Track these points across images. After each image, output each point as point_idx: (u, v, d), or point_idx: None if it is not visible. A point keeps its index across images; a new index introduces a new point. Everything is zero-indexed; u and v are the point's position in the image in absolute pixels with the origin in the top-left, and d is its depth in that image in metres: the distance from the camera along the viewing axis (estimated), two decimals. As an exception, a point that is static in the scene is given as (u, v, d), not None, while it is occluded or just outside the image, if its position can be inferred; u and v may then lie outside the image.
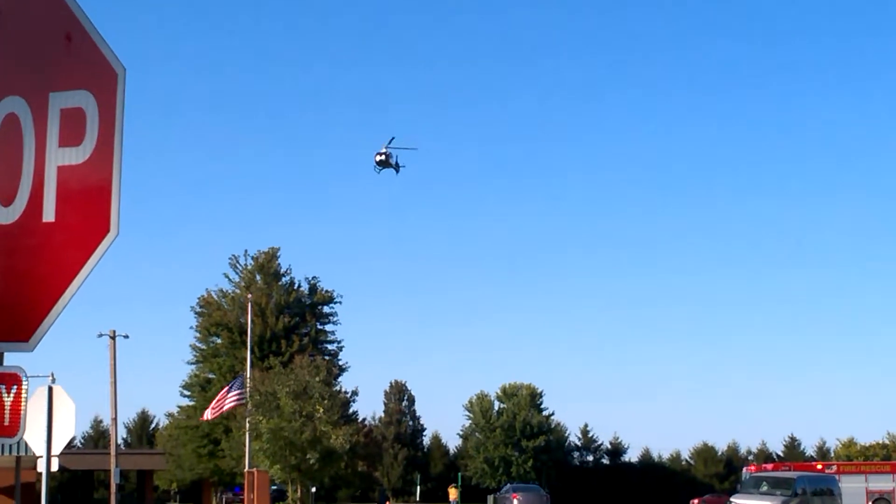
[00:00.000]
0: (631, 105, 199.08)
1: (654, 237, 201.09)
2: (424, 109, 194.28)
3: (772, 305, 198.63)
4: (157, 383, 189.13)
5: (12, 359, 5.41)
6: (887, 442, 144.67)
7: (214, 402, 69.43)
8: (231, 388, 67.89)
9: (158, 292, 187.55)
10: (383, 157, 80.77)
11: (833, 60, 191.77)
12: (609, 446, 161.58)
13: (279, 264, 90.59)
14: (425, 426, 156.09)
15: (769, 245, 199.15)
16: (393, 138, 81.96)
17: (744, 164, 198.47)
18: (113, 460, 55.36)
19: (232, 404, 67.56)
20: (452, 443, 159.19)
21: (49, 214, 5.02)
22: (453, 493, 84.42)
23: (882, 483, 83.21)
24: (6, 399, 5.40)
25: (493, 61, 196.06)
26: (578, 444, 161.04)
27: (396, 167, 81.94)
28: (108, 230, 5.08)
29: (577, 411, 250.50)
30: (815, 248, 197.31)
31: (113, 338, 56.18)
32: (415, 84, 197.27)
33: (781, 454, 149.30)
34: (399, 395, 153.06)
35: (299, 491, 63.71)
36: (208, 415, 70.40)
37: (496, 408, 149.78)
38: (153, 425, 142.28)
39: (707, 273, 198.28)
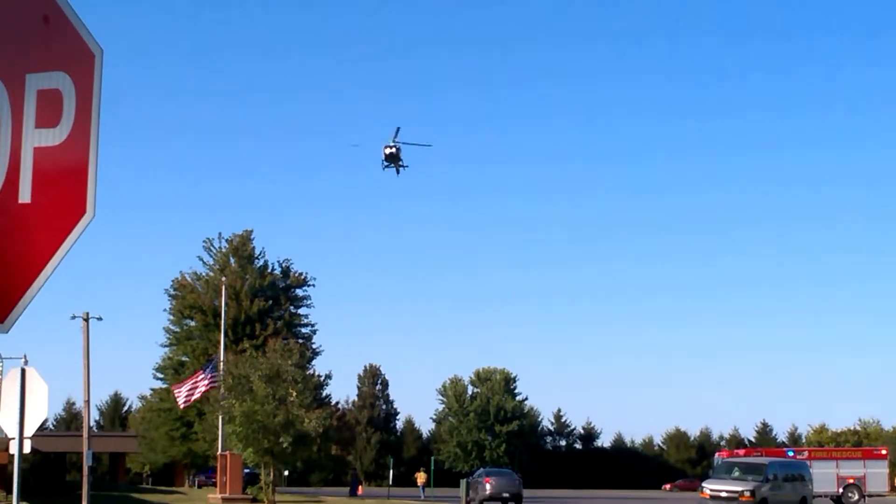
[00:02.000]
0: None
1: (627, 228, 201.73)
2: (391, 98, 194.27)
3: (745, 294, 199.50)
4: (131, 366, 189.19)
5: (-14, 340, 5.41)
6: (858, 428, 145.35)
7: (188, 387, 69.24)
8: (204, 371, 67.77)
9: (132, 275, 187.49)
10: (394, 149, 74.59)
11: None
12: (582, 431, 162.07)
13: (253, 247, 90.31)
14: (398, 410, 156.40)
15: (740, 234, 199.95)
16: (399, 129, 76.15)
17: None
18: (85, 443, 55.11)
19: (205, 388, 67.40)
20: (426, 427, 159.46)
21: (25, 196, 5.00)
22: (421, 478, 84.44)
23: (853, 469, 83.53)
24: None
25: (460, 55, 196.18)
26: (551, 428, 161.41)
27: (400, 166, 75.93)
28: (84, 212, 5.06)
29: (550, 396, 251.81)
30: (786, 237, 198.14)
31: (86, 320, 55.85)
32: (381, 74, 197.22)
33: (753, 440, 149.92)
34: (373, 379, 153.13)
35: (272, 474, 63.64)
36: (181, 400, 70.29)
37: (470, 392, 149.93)
38: (126, 408, 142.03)
39: (680, 262, 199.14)
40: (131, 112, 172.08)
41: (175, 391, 71.91)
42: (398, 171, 75.87)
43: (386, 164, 74.86)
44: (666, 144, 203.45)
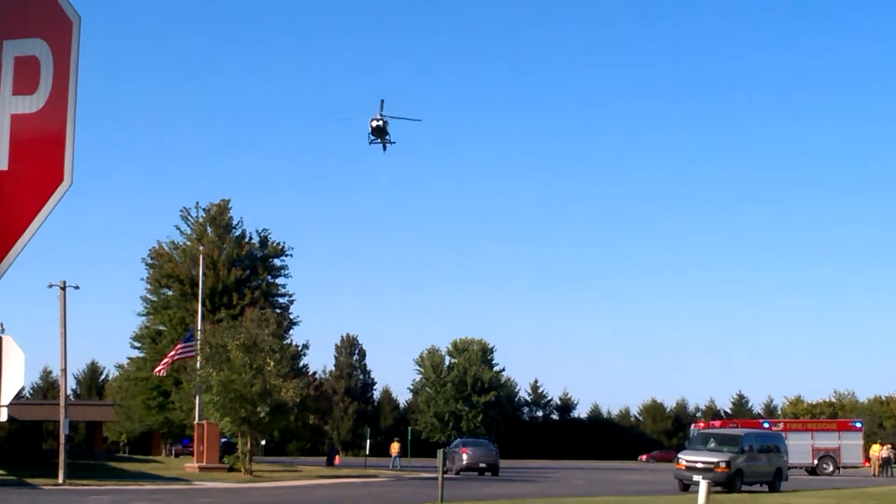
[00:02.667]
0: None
1: (603, 201, 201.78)
2: (372, 70, 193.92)
3: (721, 267, 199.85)
4: (108, 335, 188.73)
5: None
6: (833, 400, 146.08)
7: (167, 357, 69.35)
8: (185, 342, 67.80)
9: (110, 244, 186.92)
10: (380, 122, 71.76)
11: None
12: (559, 402, 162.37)
13: (230, 217, 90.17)
14: (376, 380, 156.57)
15: (716, 207, 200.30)
16: (383, 101, 73.41)
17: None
18: (62, 411, 55.09)
19: (182, 356, 67.40)
20: (403, 397, 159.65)
21: (2, 163, 4.98)
22: (395, 448, 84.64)
23: (828, 440, 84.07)
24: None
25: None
26: (528, 399, 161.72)
27: (387, 142, 73.04)
28: (61, 180, 5.05)
29: (527, 367, 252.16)
30: (762, 211, 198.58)
31: (63, 288, 55.73)
32: (363, 45, 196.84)
33: (729, 412, 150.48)
34: (350, 349, 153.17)
35: (249, 443, 63.68)
36: (160, 369, 70.35)
37: (447, 363, 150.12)
38: (103, 377, 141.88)
39: (658, 233, 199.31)
40: (110, 80, 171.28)
41: (156, 370, 72.20)
42: (385, 147, 73.55)
43: (373, 138, 72.67)
44: (643, 125, 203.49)
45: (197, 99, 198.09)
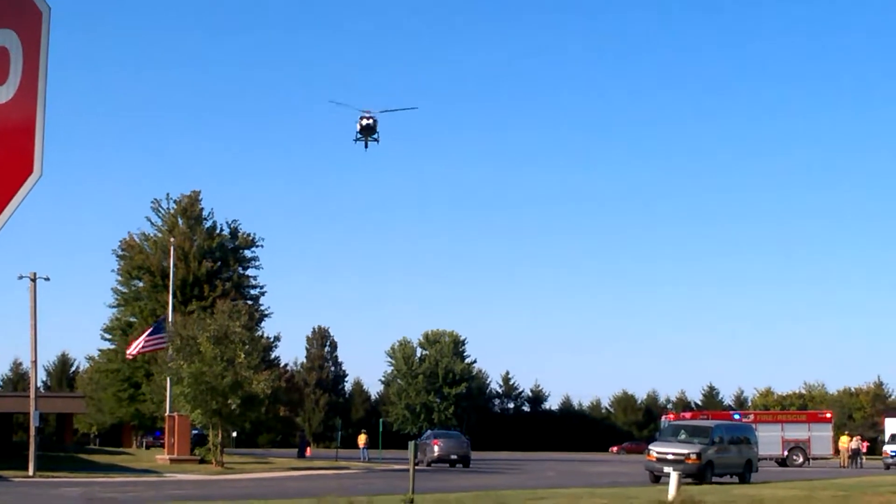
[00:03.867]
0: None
1: (575, 191, 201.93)
2: (344, 59, 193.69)
3: (692, 259, 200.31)
4: (78, 327, 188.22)
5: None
6: (803, 392, 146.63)
7: (136, 342, 69.14)
8: (154, 330, 67.58)
9: (80, 235, 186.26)
10: (371, 120, 68.75)
11: None
12: (530, 394, 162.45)
13: (201, 208, 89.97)
14: (347, 372, 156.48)
15: (688, 197, 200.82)
16: (354, 109, 69.97)
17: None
18: (32, 403, 54.90)
19: (153, 348, 67.25)
20: (374, 389, 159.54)
21: (-29, 154, 4.96)
22: (362, 440, 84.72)
23: (797, 432, 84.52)
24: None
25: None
26: (500, 391, 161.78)
27: (370, 140, 69.85)
28: (31, 171, 5.03)
29: (498, 359, 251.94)
30: (733, 201, 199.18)
31: (33, 280, 55.57)
32: (333, 34, 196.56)
33: (700, 403, 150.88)
34: (321, 341, 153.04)
35: (220, 435, 63.60)
36: (132, 350, 70.22)
37: (418, 355, 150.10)
38: (73, 368, 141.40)
39: (628, 225, 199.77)
40: (80, 71, 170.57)
41: (127, 352, 71.93)
42: (366, 146, 70.69)
43: (359, 136, 69.95)
44: (611, 116, 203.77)
45: (167, 90, 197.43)
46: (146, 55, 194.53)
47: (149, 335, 67.47)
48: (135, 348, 69.04)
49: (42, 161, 5.03)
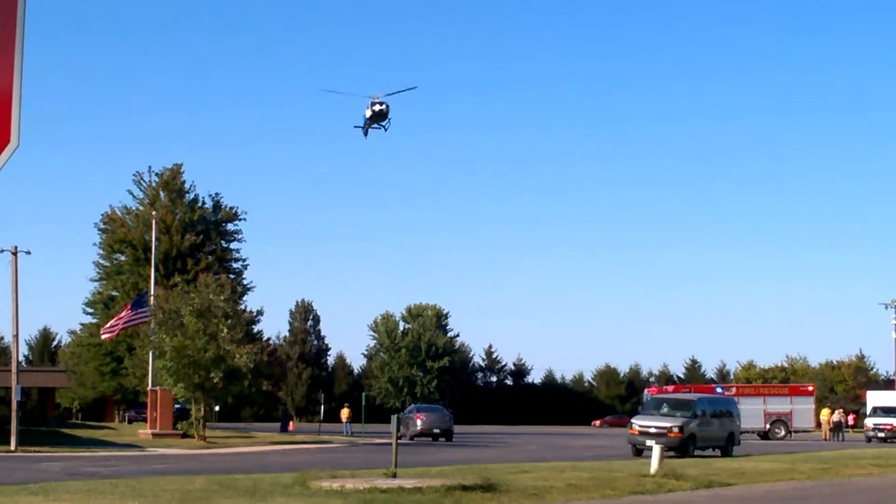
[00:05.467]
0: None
1: (560, 161, 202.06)
2: (325, 29, 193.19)
3: (674, 232, 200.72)
4: (60, 301, 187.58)
5: None
6: (786, 365, 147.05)
7: (113, 320, 68.90)
8: (132, 307, 67.34)
9: (62, 208, 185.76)
10: (383, 106, 64.02)
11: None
12: (513, 368, 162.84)
13: (183, 181, 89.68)
14: (330, 346, 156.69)
15: (672, 172, 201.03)
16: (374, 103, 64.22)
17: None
18: (14, 377, 54.68)
19: (135, 322, 67.06)
20: (357, 363, 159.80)
21: (-54, 125, 4.88)
22: (345, 414, 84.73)
23: (779, 405, 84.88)
24: None
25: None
26: (483, 365, 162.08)
27: (373, 127, 65.25)
28: (7, 141, 4.96)
29: (481, 333, 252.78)
30: (716, 177, 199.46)
31: (14, 254, 55.27)
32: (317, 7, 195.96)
33: (682, 377, 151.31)
34: (304, 315, 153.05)
35: (202, 410, 63.57)
36: (107, 335, 70.12)
37: (401, 328, 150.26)
38: (55, 343, 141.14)
39: (608, 196, 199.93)
40: (60, 41, 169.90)
41: (102, 331, 71.71)
42: (366, 133, 66.28)
43: (367, 124, 65.33)
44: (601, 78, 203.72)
45: (150, 61, 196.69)
46: (128, 26, 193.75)
47: (130, 311, 67.18)
48: (112, 328, 68.67)
49: (19, 131, 4.95)
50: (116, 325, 67.78)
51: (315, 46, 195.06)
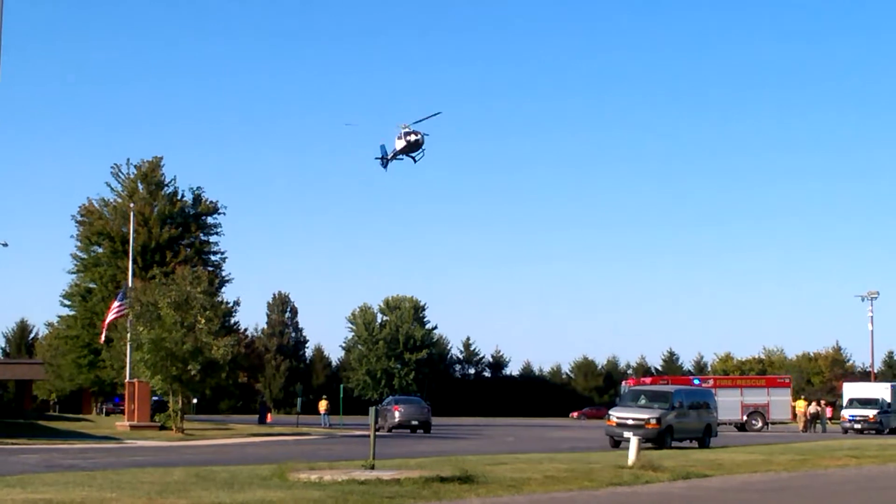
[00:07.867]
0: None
1: (538, 157, 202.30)
2: (308, 35, 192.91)
3: (652, 224, 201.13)
4: (37, 293, 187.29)
5: None
6: (763, 357, 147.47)
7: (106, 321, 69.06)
8: (118, 299, 67.36)
9: (39, 200, 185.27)
10: (419, 137, 60.96)
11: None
12: (491, 360, 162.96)
13: (163, 174, 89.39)
14: (308, 338, 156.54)
15: (652, 163, 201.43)
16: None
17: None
18: (-9, 370, 54.64)
19: (115, 315, 66.98)
20: (335, 355, 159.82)
21: (-75, 117, 4.88)
22: (323, 406, 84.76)
23: (756, 397, 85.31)
24: None
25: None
26: (460, 357, 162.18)
27: (397, 156, 62.06)
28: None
29: (459, 325, 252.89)
30: (695, 168, 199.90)
31: (-9, 246, 55.21)
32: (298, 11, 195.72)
33: (660, 368, 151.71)
34: (282, 307, 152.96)
35: (180, 402, 63.47)
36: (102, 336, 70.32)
37: (379, 320, 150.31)
38: (33, 335, 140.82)
39: (588, 191, 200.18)
40: (40, 32, 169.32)
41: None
42: (386, 166, 62.79)
43: (396, 155, 62.14)
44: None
45: (130, 54, 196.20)
46: (111, 18, 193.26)
47: (117, 304, 67.22)
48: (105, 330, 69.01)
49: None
50: (108, 319, 67.99)
51: (295, 41, 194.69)
